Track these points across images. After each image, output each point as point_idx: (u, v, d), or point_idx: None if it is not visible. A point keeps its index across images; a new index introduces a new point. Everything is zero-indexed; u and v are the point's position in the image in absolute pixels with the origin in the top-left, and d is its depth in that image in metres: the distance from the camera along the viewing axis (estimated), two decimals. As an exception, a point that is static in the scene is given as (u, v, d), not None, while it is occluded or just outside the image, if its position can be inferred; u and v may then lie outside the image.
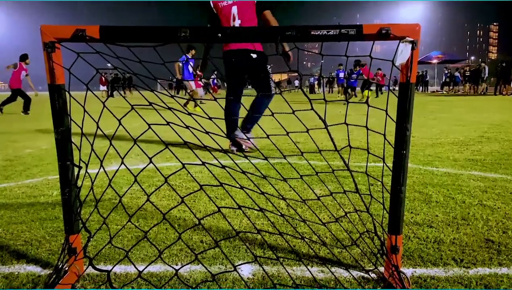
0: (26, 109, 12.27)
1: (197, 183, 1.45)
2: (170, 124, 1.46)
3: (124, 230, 2.11)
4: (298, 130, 1.52)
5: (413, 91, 1.44)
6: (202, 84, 13.61)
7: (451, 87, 31.72)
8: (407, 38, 1.39)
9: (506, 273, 1.62)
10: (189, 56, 11.62)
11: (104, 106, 1.44)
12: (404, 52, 1.40)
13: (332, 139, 1.44)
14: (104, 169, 1.50)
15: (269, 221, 2.17)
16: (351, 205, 2.45)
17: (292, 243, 1.95)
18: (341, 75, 20.63)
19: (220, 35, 1.40)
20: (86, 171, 1.43)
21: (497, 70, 23.76)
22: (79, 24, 1.44)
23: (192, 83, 11.78)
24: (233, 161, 1.59)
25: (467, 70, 28.15)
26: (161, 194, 2.79)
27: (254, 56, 4.57)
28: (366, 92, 16.58)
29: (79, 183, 1.48)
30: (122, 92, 26.43)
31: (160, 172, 1.62)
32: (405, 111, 1.45)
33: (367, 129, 1.44)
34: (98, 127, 1.41)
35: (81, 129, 1.41)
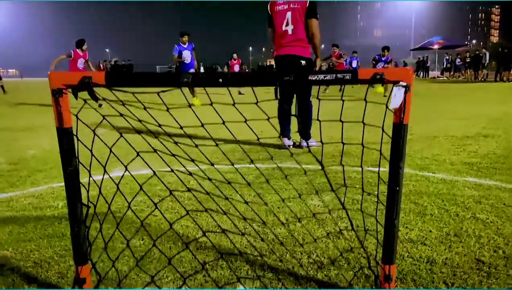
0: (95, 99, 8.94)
1: (197, 225, 1.53)
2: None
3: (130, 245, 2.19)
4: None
5: (407, 132, 1.50)
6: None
7: (451, 73, 31.73)
8: (400, 82, 1.45)
9: (493, 298, 1.71)
10: (182, 44, 11.24)
11: (113, 153, 1.50)
12: (397, 96, 1.46)
13: (328, 180, 1.50)
14: (110, 210, 1.57)
15: (269, 241, 2.26)
16: (348, 223, 2.53)
17: (290, 264, 2.03)
18: (354, 64, 18.42)
19: (221, 80, 1.45)
20: (95, 213, 1.50)
21: (498, 56, 23.72)
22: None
23: None
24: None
25: (467, 56, 28.07)
26: (164, 207, 2.86)
27: (304, 62, 4.83)
28: (381, 88, 14.64)
29: (87, 222, 1.55)
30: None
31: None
32: (399, 151, 1.51)
33: (362, 169, 1.51)
34: (105, 171, 1.47)
35: (89, 171, 1.48)
